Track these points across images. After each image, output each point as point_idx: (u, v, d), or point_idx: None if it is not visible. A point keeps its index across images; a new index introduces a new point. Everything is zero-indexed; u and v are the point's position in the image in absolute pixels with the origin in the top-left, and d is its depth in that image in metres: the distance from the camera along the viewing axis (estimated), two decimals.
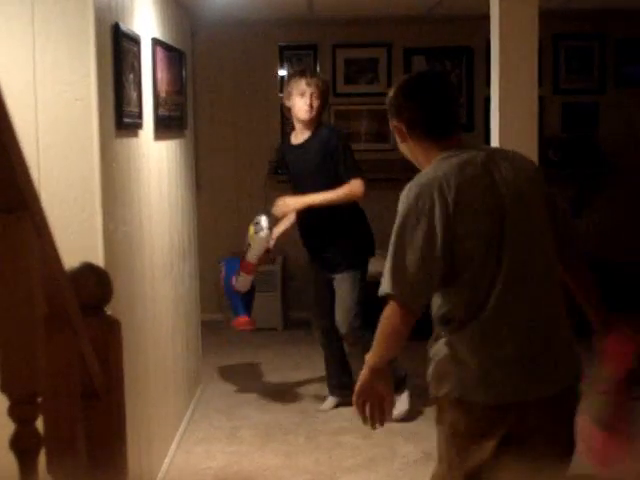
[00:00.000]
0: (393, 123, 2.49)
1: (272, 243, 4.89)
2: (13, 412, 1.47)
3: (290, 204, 4.73)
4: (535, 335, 2.36)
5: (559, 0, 5.96)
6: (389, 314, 2.38)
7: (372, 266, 4.75)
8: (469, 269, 2.30)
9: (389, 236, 2.37)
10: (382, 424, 2.50)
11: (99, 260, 2.92)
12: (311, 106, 4.57)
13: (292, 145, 4.83)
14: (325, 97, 4.66)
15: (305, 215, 4.73)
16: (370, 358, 2.48)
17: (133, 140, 3.54)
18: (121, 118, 3.23)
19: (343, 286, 4.66)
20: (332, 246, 4.71)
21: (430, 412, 4.88)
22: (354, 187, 4.52)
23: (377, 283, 2.41)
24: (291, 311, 7.07)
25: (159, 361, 3.99)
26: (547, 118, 6.89)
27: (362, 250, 4.76)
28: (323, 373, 5.69)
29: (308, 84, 4.58)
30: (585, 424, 2.59)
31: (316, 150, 4.64)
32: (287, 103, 4.72)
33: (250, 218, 7.13)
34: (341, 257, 4.68)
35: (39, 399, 1.50)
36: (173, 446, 4.32)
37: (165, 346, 4.16)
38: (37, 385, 1.47)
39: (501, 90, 3.59)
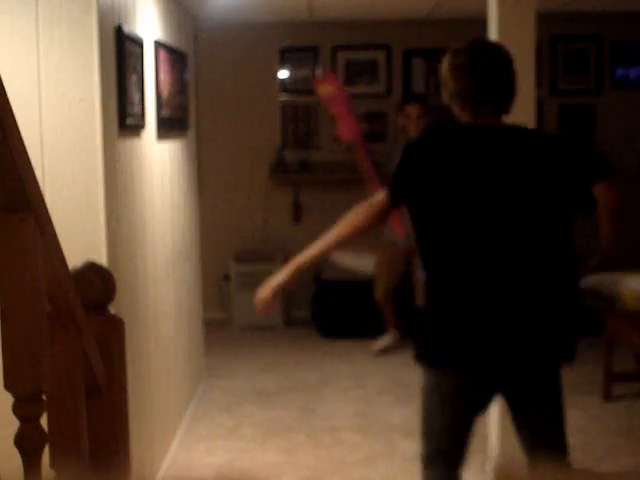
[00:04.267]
0: None
1: None
2: (17, 410, 1.48)
3: None
4: None
5: (556, 2, 5.98)
6: None
7: None
8: None
9: None
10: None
11: (102, 259, 2.94)
12: None
13: None
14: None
15: None
16: None
17: (136, 141, 3.56)
18: (124, 119, 3.26)
19: None
20: None
21: None
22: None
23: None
24: (291, 310, 7.09)
25: (161, 359, 4.02)
26: (545, 119, 6.90)
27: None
28: (323, 371, 5.71)
29: None
30: None
31: None
32: None
33: (250, 218, 7.19)
34: None
35: (43, 397, 1.51)
36: (175, 443, 4.34)
37: (167, 344, 4.18)
38: (41, 383, 1.48)
39: None
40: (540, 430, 2.62)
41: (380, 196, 2.62)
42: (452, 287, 2.54)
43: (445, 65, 2.64)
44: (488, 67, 2.58)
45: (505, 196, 2.51)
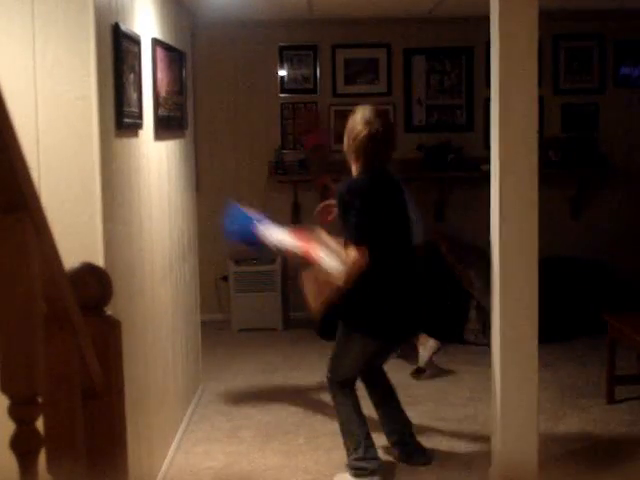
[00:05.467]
0: None
1: None
2: (13, 412, 1.47)
3: None
4: None
5: (559, 0, 5.96)
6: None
7: None
8: None
9: None
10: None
11: (99, 260, 2.92)
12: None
13: None
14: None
15: None
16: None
17: (133, 140, 3.54)
18: (121, 118, 3.23)
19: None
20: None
21: (427, 413, 4.89)
22: (349, 258, 3.79)
23: None
24: (291, 311, 7.07)
25: (159, 361, 3.99)
26: (547, 118, 6.90)
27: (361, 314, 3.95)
28: (322, 373, 5.68)
29: None
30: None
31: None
32: None
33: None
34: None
35: (39, 399, 1.50)
36: (173, 446, 4.32)
37: (165, 346, 4.16)
38: (37, 385, 1.46)
39: (501, 90, 3.58)
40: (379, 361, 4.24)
41: (359, 254, 3.73)
42: (379, 284, 3.84)
43: (356, 128, 3.82)
44: (382, 135, 3.82)
45: (400, 219, 3.97)
